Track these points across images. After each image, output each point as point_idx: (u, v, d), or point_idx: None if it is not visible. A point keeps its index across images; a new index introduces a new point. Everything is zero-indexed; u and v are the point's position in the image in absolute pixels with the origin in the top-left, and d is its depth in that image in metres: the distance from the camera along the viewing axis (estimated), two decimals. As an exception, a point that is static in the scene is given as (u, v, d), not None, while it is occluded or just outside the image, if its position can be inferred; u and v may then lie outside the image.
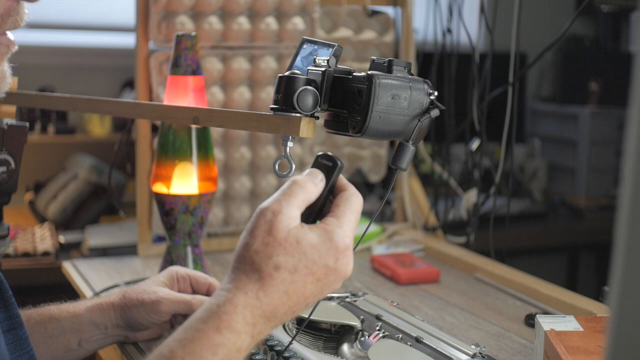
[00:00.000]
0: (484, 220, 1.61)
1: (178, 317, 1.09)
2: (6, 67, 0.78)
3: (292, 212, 0.72)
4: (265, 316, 0.70)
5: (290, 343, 0.94)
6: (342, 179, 0.77)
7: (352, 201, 0.75)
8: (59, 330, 1.01)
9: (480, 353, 0.94)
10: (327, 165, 0.76)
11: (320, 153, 0.77)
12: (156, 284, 1.07)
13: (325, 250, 0.71)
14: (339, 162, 0.76)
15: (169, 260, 1.27)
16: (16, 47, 0.78)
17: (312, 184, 0.74)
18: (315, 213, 0.75)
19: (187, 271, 1.10)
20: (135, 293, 1.04)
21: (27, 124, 1.17)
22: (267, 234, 0.70)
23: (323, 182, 0.75)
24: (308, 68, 0.89)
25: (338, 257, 0.72)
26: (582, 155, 2.95)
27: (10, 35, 0.77)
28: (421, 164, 2.32)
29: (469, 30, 1.70)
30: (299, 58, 0.92)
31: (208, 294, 1.10)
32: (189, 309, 1.05)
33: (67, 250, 1.95)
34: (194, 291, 1.10)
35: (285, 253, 0.70)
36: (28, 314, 1.01)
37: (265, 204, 0.72)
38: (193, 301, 1.05)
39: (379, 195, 2.45)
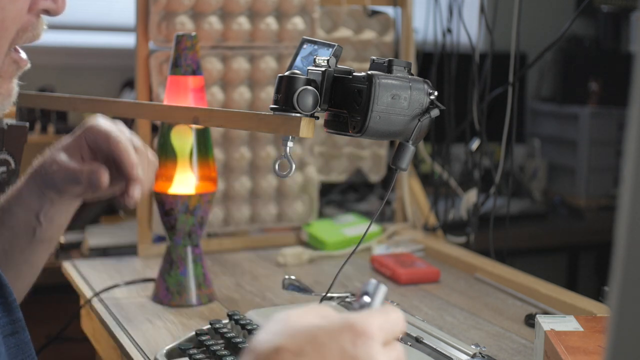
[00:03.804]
0: (484, 220, 1.61)
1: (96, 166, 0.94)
2: (14, 85, 0.76)
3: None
4: None
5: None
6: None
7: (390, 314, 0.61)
8: (12, 216, 0.95)
9: (480, 353, 0.94)
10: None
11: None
12: (63, 148, 0.97)
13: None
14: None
15: (169, 260, 1.27)
16: (28, 65, 0.76)
17: None
18: None
19: (95, 128, 0.94)
20: (46, 162, 0.96)
21: (27, 124, 1.17)
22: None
23: None
24: (308, 68, 0.90)
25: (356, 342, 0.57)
26: (582, 155, 2.94)
27: (22, 53, 0.76)
28: (421, 164, 2.32)
29: (469, 30, 1.70)
30: (299, 58, 0.92)
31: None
32: (76, 180, 0.93)
33: (67, 250, 1.95)
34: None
35: None
36: None
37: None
38: (78, 170, 0.93)
39: (379, 195, 2.45)
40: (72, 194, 0.97)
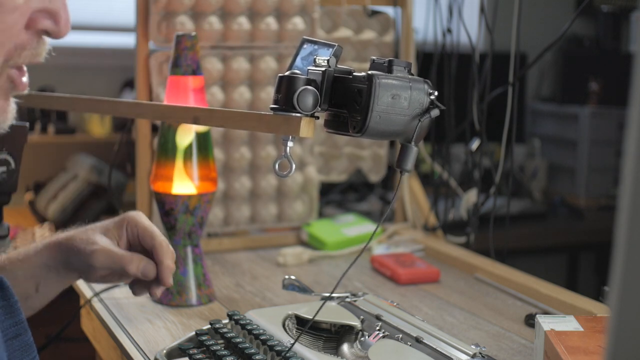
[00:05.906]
0: (484, 220, 1.61)
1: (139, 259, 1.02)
2: (10, 103, 0.73)
3: None
4: None
5: (292, 345, 0.94)
6: None
7: None
8: (12, 281, 0.94)
9: (480, 353, 0.94)
10: None
11: None
12: (101, 231, 1.01)
13: None
14: None
15: (169, 260, 1.27)
16: (26, 91, 0.74)
17: None
18: None
19: (138, 222, 1.02)
20: (79, 240, 0.99)
21: (27, 124, 1.17)
22: None
23: None
24: (308, 68, 0.90)
25: None
26: (582, 155, 2.95)
27: (25, 77, 0.73)
28: (421, 164, 2.32)
29: (469, 30, 1.70)
30: (299, 58, 0.92)
31: (151, 252, 1.01)
32: (121, 266, 0.98)
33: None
34: (141, 245, 1.03)
35: None
36: None
37: None
38: (127, 258, 0.98)
39: (379, 195, 2.44)
40: (100, 275, 1.01)
